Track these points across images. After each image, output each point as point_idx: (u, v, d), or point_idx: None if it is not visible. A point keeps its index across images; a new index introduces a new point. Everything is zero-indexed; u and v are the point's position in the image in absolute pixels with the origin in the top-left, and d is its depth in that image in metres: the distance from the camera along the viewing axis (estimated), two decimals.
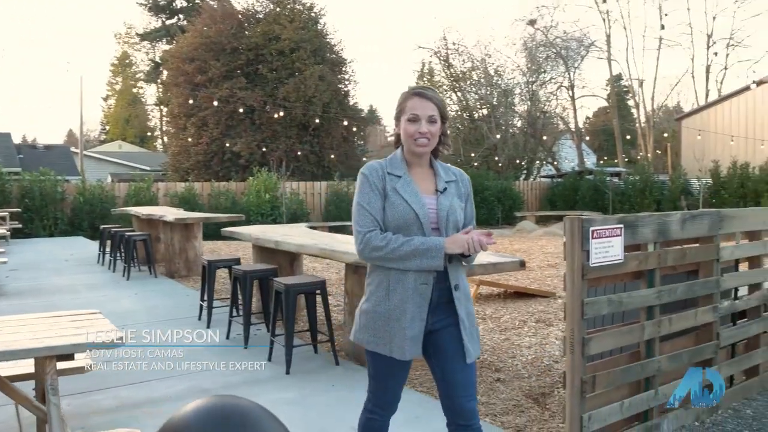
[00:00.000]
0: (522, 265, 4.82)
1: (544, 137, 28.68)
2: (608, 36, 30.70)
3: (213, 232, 13.68)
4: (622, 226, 3.31)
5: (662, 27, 31.59)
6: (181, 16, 44.99)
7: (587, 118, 45.24)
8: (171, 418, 0.89)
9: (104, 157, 40.36)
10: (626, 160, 32.45)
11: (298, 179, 21.88)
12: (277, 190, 18.84)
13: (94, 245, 13.22)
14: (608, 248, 3.23)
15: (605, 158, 37.26)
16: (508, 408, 4.12)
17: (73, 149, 38.35)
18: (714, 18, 38.34)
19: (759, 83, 24.65)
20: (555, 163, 30.99)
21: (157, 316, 6.69)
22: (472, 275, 5.34)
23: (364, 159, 28.23)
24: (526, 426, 3.83)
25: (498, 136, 26.82)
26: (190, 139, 24.70)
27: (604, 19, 30.79)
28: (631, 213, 20.07)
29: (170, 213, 10.38)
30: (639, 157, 30.64)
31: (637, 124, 33.75)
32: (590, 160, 36.90)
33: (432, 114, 2.54)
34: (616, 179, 24.07)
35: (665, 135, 31.33)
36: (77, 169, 29.80)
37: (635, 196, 21.49)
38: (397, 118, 2.61)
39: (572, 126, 31.91)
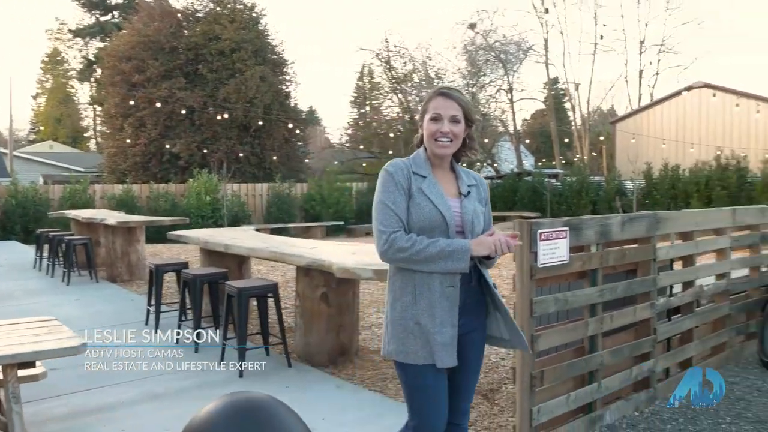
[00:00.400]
0: None
1: (485, 140, 29.12)
2: (546, 41, 31.47)
3: (153, 234, 13.45)
4: (567, 228, 3.48)
5: (601, 37, 32.50)
6: (116, 13, 43.91)
7: (524, 120, 46.18)
8: (193, 418, 0.96)
9: (35, 158, 38.98)
10: (563, 161, 33.26)
11: (239, 181, 21.65)
12: (217, 192, 18.61)
13: (29, 250, 12.84)
14: (555, 250, 3.40)
15: (543, 160, 38.12)
16: None
17: (1, 149, 36.94)
18: (646, 25, 39.85)
19: (689, 89, 25.70)
20: (495, 164, 31.52)
21: (102, 321, 6.58)
22: None
23: (307, 161, 28.14)
24: (477, 420, 3.97)
25: None
26: (128, 140, 24.15)
27: (542, 24, 31.54)
28: (569, 213, 20.66)
29: (112, 216, 10.18)
30: (575, 159, 31.43)
31: (574, 127, 34.65)
32: (528, 162, 37.66)
33: (455, 114, 2.46)
34: (553, 180, 24.64)
35: (601, 138, 32.29)
36: (6, 170, 28.78)
37: (572, 197, 22.07)
38: (421, 118, 2.55)
39: (511, 128, 32.54)
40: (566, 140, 34.73)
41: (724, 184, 19.84)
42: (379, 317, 7.00)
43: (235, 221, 18.06)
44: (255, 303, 5.28)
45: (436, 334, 2.35)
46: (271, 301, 5.16)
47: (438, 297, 2.37)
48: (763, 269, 5.61)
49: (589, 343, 3.78)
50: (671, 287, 4.63)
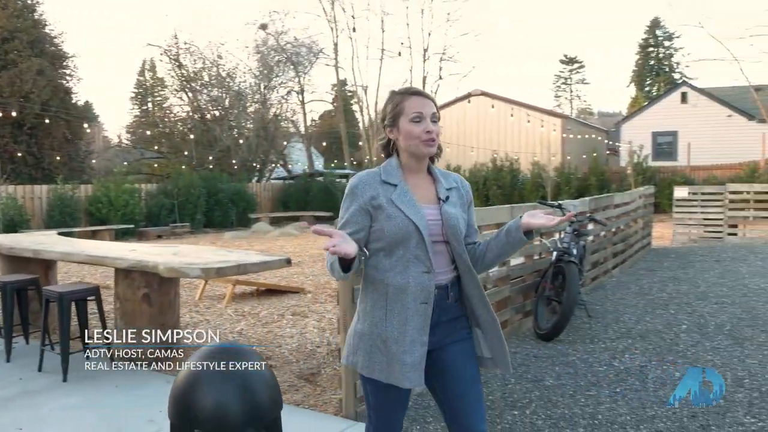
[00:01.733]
0: (288, 262, 5.37)
1: (285, 142, 29.48)
2: (336, 44, 32.41)
3: None
4: None
5: (399, 54, 34.01)
6: None
7: (313, 120, 47.19)
8: (178, 374, 1.26)
9: None
10: (353, 162, 34.54)
11: (14, 183, 19.97)
12: None
13: None
14: None
15: (335, 161, 39.28)
16: (284, 388, 4.63)
17: None
18: (429, 34, 42.19)
19: (468, 96, 28.10)
20: (288, 165, 31.99)
21: None
22: (242, 274, 5.71)
23: (93, 161, 26.59)
24: (304, 401, 4.40)
25: (241, 141, 27.02)
26: None
27: (332, 29, 32.40)
28: None
29: None
30: (365, 160, 32.85)
31: (362, 129, 36.06)
32: (319, 162, 38.62)
33: (434, 112, 2.35)
34: (344, 181, 25.66)
35: None
36: None
37: None
38: (392, 123, 2.38)
39: (302, 129, 33.20)
40: (360, 143, 36.13)
41: (499, 184, 22.09)
42: (193, 317, 7.14)
43: (12, 226, 16.66)
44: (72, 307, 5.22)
45: (404, 353, 2.24)
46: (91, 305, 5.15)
47: (411, 314, 2.25)
48: (536, 257, 6.66)
49: None
50: None
